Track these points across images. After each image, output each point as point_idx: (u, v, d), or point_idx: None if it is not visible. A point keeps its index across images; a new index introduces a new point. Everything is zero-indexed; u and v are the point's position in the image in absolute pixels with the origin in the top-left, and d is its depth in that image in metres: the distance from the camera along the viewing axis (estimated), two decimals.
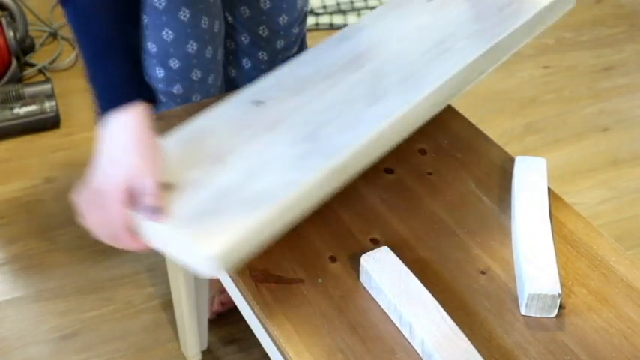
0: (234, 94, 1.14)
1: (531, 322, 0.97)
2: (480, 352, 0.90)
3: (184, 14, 1.28)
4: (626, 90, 2.28)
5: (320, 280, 1.02)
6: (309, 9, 2.19)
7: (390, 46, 1.20)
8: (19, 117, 2.07)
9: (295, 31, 1.47)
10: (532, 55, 2.37)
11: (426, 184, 1.16)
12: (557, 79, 2.31)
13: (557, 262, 1.02)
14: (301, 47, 1.52)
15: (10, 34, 2.22)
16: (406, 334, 0.95)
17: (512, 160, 1.18)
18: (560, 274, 1.01)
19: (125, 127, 0.91)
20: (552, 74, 2.33)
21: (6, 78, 2.21)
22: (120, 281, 1.67)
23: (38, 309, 1.65)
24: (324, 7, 2.58)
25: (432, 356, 0.90)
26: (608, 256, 1.05)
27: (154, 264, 1.69)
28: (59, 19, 2.47)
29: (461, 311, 0.97)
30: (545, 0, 1.26)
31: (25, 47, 2.33)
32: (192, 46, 1.31)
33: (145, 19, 1.27)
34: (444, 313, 0.94)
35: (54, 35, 2.45)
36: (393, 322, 0.97)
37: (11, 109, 2.07)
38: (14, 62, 2.22)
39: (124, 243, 0.94)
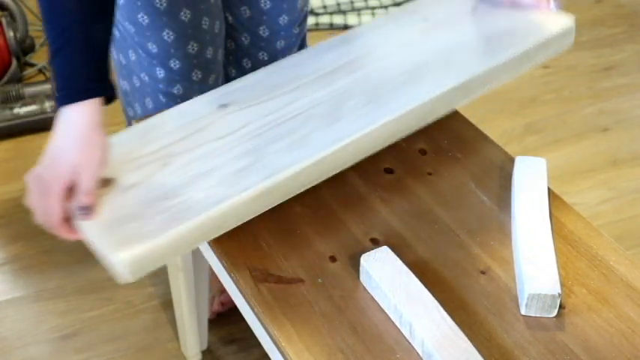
0: (205, 94, 1.16)
1: (531, 322, 0.97)
2: (479, 352, 0.90)
3: (185, 15, 1.28)
4: (626, 90, 2.28)
5: (320, 280, 1.02)
6: (309, 9, 2.19)
7: (368, 63, 1.19)
8: (19, 117, 2.07)
9: (296, 31, 1.47)
10: None
11: (426, 184, 1.16)
12: (557, 79, 2.31)
13: (557, 262, 1.02)
14: (302, 47, 1.52)
15: (10, 34, 2.22)
16: (406, 334, 0.95)
17: (512, 160, 1.18)
18: (560, 274, 1.01)
19: (76, 123, 0.95)
20: (552, 74, 2.33)
21: (6, 78, 2.21)
22: None
23: (38, 309, 1.65)
24: (324, 7, 2.58)
25: (432, 356, 0.90)
26: (608, 256, 1.05)
27: None
28: None
29: (461, 311, 0.98)
30: (538, 38, 1.21)
31: (25, 47, 2.33)
32: (192, 47, 1.31)
33: (146, 19, 1.27)
34: (444, 313, 0.94)
35: None
36: (393, 322, 0.97)
37: (11, 109, 2.07)
38: (14, 62, 2.23)
39: (58, 232, 0.98)
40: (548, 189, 1.12)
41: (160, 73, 1.33)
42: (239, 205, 0.99)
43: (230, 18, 1.43)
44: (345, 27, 2.57)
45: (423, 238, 1.08)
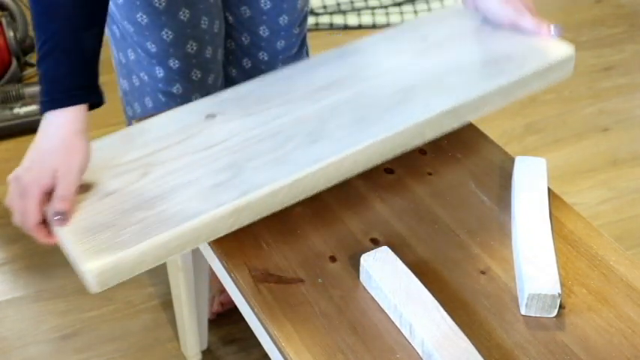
0: (195, 101, 1.16)
1: (531, 322, 0.97)
2: (479, 352, 0.90)
3: (184, 14, 1.28)
4: (626, 90, 2.28)
5: (320, 280, 1.02)
6: (309, 9, 2.19)
7: (360, 81, 1.17)
8: (19, 117, 2.07)
9: (296, 31, 1.47)
10: None
11: (426, 184, 1.16)
12: None
13: (557, 262, 1.02)
14: (302, 47, 1.52)
15: (10, 34, 2.22)
16: (406, 334, 0.95)
17: (512, 160, 1.18)
18: (560, 274, 1.01)
19: (58, 128, 0.95)
20: None
21: (6, 78, 2.21)
22: None
23: (38, 309, 1.65)
24: (324, 7, 2.58)
25: (432, 356, 0.90)
26: (608, 256, 1.05)
27: None
28: None
29: (461, 311, 0.97)
30: (536, 65, 1.19)
31: (25, 47, 2.33)
32: (192, 46, 1.31)
33: (145, 18, 1.27)
34: (444, 313, 0.94)
35: None
36: (393, 322, 0.97)
37: (11, 109, 2.07)
38: (14, 62, 2.23)
39: (36, 235, 0.98)
40: (548, 189, 1.12)
41: (160, 72, 1.33)
42: (212, 222, 0.98)
43: (230, 18, 1.43)
44: (345, 27, 2.57)
45: (422, 238, 1.08)
